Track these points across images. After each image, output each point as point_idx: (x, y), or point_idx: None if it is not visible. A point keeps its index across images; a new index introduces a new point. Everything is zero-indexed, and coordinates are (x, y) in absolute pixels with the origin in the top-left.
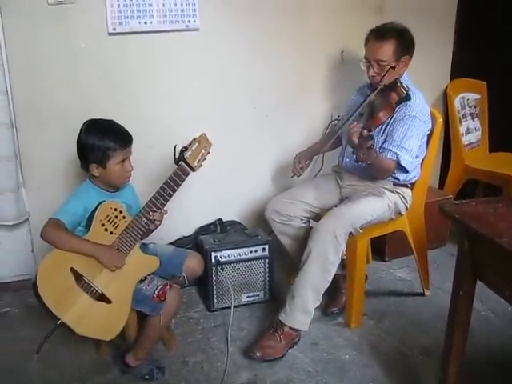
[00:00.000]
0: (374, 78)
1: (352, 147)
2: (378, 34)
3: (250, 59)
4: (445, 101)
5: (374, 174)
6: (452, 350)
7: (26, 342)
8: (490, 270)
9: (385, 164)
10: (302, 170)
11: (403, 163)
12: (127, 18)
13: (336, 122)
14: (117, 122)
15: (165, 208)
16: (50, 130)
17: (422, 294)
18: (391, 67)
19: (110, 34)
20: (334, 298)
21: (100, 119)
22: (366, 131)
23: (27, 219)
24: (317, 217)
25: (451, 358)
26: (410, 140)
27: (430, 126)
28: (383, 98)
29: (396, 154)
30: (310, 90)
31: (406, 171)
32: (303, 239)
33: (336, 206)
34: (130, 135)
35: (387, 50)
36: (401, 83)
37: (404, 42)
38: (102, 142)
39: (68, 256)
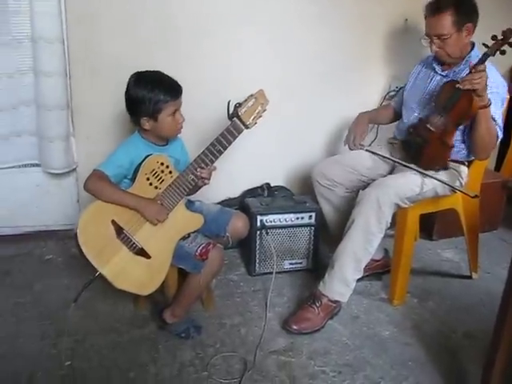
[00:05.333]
0: (437, 52)
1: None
2: (433, 7)
3: (310, 21)
4: (510, 78)
5: (480, 143)
6: (502, 334)
7: (68, 290)
8: None
9: (492, 126)
10: (355, 147)
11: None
12: None
13: (394, 92)
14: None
15: (214, 165)
16: (102, 80)
17: (470, 277)
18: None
19: None
20: None
21: (147, 71)
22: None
23: (75, 169)
24: (364, 187)
25: (501, 343)
26: (496, 114)
27: (507, 96)
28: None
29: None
30: (369, 57)
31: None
32: (343, 209)
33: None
34: (180, 86)
35: (445, 22)
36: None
37: (463, 9)
38: (152, 94)
39: (109, 208)
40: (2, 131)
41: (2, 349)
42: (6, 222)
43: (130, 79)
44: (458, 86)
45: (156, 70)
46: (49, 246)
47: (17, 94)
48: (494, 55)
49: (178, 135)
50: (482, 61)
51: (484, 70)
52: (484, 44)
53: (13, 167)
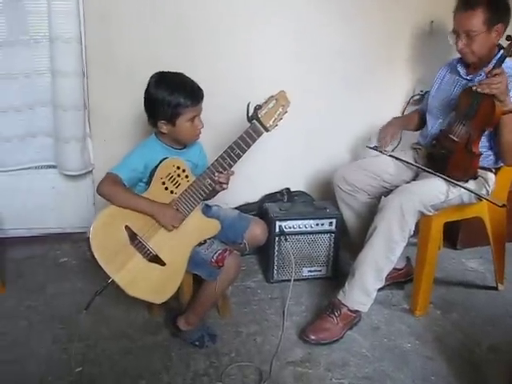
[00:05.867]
0: (462, 50)
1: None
2: (465, 2)
3: (333, 22)
4: None
5: (506, 148)
6: None
7: (81, 294)
8: None
9: None
10: (385, 145)
11: None
12: None
13: (418, 96)
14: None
15: (232, 169)
16: (120, 81)
17: (495, 288)
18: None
19: None
20: None
21: (170, 72)
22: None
23: (91, 171)
24: (387, 194)
25: None
26: None
27: None
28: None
29: None
30: (393, 59)
31: None
32: (364, 215)
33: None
34: (202, 91)
35: (476, 19)
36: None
37: (496, 8)
38: (172, 97)
39: (123, 213)
40: (18, 132)
41: (12, 352)
42: (20, 224)
43: (150, 79)
44: (474, 88)
45: (179, 71)
46: (63, 248)
47: (33, 94)
48: (510, 56)
49: None
50: (499, 63)
51: (502, 73)
52: (498, 45)
53: (28, 168)
